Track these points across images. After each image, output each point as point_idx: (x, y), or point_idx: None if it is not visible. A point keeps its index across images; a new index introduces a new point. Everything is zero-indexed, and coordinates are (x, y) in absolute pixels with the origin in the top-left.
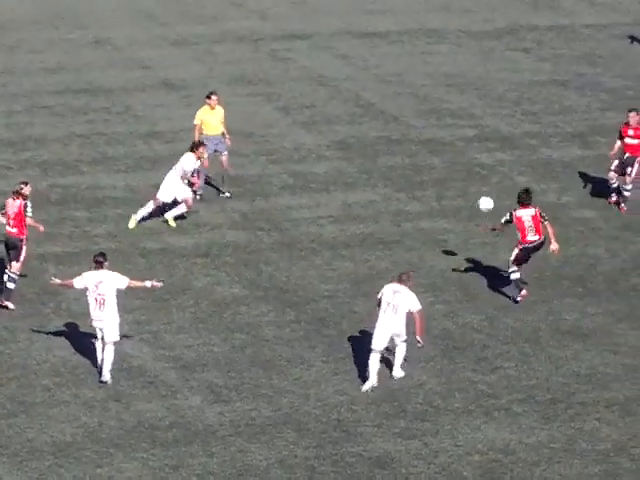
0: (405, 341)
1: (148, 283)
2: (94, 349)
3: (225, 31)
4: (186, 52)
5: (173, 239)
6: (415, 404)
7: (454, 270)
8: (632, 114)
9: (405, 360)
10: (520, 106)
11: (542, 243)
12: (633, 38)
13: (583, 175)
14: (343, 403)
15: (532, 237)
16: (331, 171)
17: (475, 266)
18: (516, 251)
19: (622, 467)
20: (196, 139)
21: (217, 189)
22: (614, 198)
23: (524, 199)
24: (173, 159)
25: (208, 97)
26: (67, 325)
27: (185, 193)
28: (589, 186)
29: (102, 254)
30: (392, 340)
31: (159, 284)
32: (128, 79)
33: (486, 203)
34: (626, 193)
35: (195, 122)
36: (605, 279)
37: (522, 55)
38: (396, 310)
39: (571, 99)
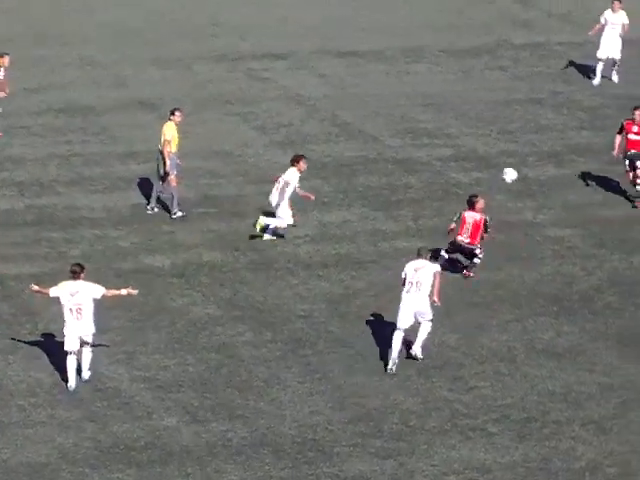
0: (431, 320)
1: (124, 291)
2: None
3: (203, 50)
4: (164, 71)
5: (149, 259)
6: (391, 424)
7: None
8: (638, 112)
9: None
10: (496, 125)
11: (472, 250)
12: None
13: (559, 194)
14: (319, 423)
15: (464, 238)
16: (307, 191)
17: (451, 285)
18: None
19: None
20: (167, 155)
21: (168, 210)
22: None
23: (472, 203)
24: (150, 179)
25: (172, 113)
26: (44, 346)
27: (284, 212)
28: (565, 205)
29: (79, 264)
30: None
31: (135, 291)
32: (105, 99)
33: (511, 174)
34: (639, 187)
35: (168, 138)
36: (581, 297)
37: (499, 74)
38: (419, 288)
39: (547, 118)
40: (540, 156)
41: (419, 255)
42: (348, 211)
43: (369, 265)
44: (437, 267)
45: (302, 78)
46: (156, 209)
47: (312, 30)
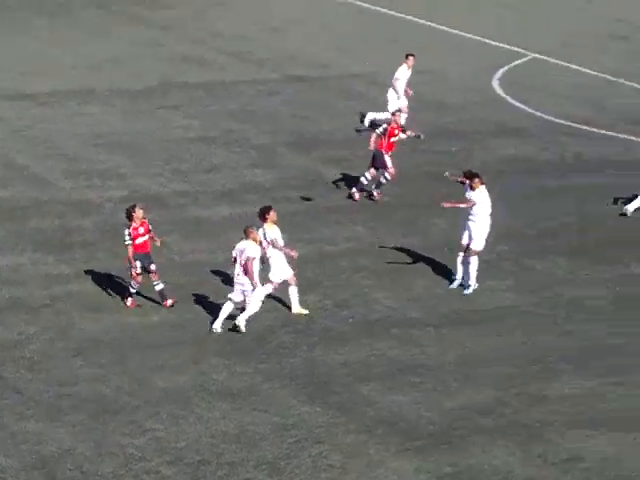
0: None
1: None
2: None
3: None
4: None
5: None
6: (65, 470)
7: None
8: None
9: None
10: (170, 164)
11: None
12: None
13: (234, 233)
14: None
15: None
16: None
17: (124, 329)
18: None
19: None
20: None
21: None
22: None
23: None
24: None
25: None
26: None
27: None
28: None
29: None
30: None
31: None
32: None
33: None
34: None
35: None
36: (254, 337)
37: (172, 113)
38: (243, 270)
39: (220, 156)
40: (213, 195)
41: (247, 235)
42: (21, 255)
43: (42, 309)
44: (253, 253)
45: None
46: None
47: None
